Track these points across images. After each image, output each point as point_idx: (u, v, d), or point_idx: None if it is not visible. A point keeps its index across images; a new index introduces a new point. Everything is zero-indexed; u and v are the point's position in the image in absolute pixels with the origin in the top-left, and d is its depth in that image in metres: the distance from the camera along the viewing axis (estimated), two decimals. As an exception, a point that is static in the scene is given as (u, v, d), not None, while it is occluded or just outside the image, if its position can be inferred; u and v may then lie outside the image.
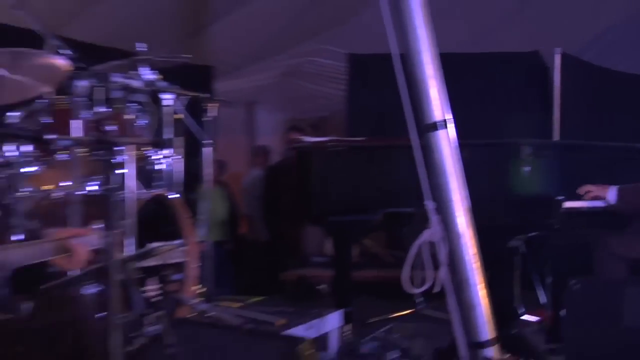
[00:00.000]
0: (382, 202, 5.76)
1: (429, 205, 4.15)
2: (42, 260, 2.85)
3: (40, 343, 2.59)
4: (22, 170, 4.35)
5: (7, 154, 4.38)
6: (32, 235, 4.16)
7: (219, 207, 8.79)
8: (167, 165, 5.06)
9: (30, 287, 2.88)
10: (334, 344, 5.20)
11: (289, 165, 7.89)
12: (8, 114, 4.55)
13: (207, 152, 5.58)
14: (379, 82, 6.37)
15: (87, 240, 3.02)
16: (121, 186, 4.50)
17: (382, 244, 8.94)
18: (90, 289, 4.23)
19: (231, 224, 9.31)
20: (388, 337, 5.24)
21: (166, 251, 3.13)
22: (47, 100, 4.56)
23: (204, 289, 5.24)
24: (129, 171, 4.40)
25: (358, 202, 5.76)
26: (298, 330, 4.73)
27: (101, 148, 2.53)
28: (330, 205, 5.75)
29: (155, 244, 2.94)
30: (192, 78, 6.56)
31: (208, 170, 5.70)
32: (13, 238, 4.17)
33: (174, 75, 5.35)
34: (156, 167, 5.02)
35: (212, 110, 5.55)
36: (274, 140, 10.67)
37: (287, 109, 11.62)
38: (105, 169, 2.52)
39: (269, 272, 8.72)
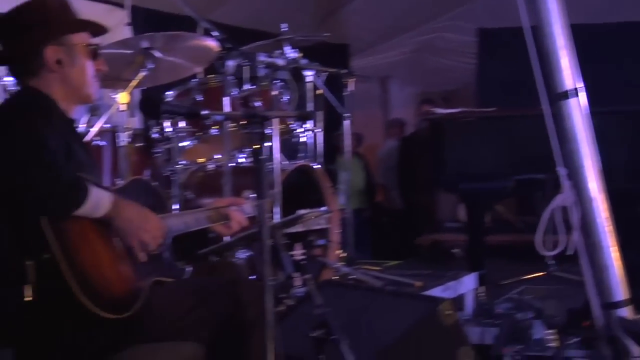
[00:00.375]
0: (513, 170, 5.65)
1: (561, 171, 4.03)
2: (200, 227, 2.92)
3: (200, 302, 2.63)
4: (179, 144, 4.47)
5: (165, 129, 4.52)
6: (188, 205, 4.29)
7: (356, 177, 8.80)
8: (309, 138, 5.06)
9: (189, 252, 2.95)
10: (469, 304, 5.14)
11: (422, 136, 7.81)
12: (166, 93, 4.69)
13: (346, 125, 5.56)
14: (508, 54, 6.23)
15: (242, 209, 3.06)
16: (268, 158, 4.57)
17: (513, 210, 8.74)
18: (244, 254, 4.33)
19: (368, 192, 9.31)
20: (521, 298, 5.11)
21: (313, 218, 3.13)
22: (199, 80, 4.66)
23: (345, 254, 5.24)
24: (274, 144, 4.42)
25: (489, 170, 5.67)
26: (435, 292, 4.69)
27: (250, 122, 2.54)
28: (463, 173, 5.68)
29: (303, 211, 2.94)
30: (330, 55, 6.57)
31: (347, 142, 5.68)
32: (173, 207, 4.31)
33: (314, 53, 5.35)
34: (299, 139, 5.04)
35: (350, 85, 5.52)
36: (407, 112, 10.58)
37: (418, 83, 11.48)
38: (254, 141, 2.53)
39: (404, 237, 8.67)
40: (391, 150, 9.68)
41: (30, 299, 2.35)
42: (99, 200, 2.45)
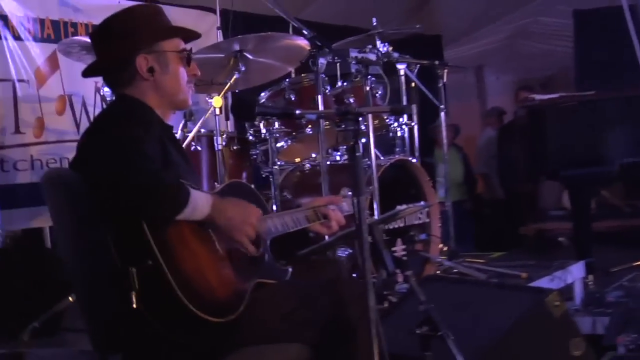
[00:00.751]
0: (617, 154, 5.46)
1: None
2: (299, 228, 2.91)
3: (303, 303, 2.62)
4: (274, 145, 4.49)
5: (260, 131, 4.55)
6: (286, 206, 4.30)
7: (455, 169, 8.68)
8: (404, 132, 5.02)
9: (289, 253, 2.95)
10: (578, 294, 4.98)
11: (521, 123, 7.63)
12: (261, 94, 4.72)
13: (442, 116, 5.48)
14: (606, 35, 6.04)
15: (340, 207, 3.03)
16: (364, 154, 4.54)
17: (619, 195, 8.46)
18: (344, 252, 4.31)
19: (468, 184, 9.18)
20: (633, 285, 4.93)
21: (412, 213, 3.09)
22: (291, 79, 4.67)
23: (447, 247, 5.17)
24: (370, 139, 4.39)
25: (593, 154, 5.50)
26: (542, 283, 4.57)
27: (344, 119, 2.51)
28: (566, 160, 5.52)
29: (402, 207, 2.90)
30: (422, 47, 6.50)
31: (444, 134, 5.60)
32: (273, 208, 4.34)
33: (406, 46, 5.30)
34: (395, 134, 4.99)
35: (444, 76, 5.44)
36: (503, 101, 10.38)
37: (515, 70, 11.26)
38: (350, 139, 2.50)
39: (507, 227, 8.51)
40: (490, 140, 9.52)
41: (136, 306, 2.38)
42: (199, 203, 2.46)
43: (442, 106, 5.39)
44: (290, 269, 2.83)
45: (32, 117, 5.24)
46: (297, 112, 2.72)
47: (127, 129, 2.50)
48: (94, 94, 5.54)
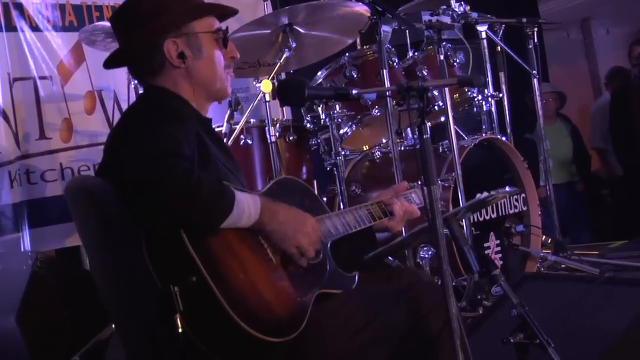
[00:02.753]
0: None
1: None
2: (363, 227, 2.93)
3: (375, 315, 2.63)
4: (337, 132, 4.52)
5: (321, 116, 4.59)
6: (355, 202, 4.33)
7: (562, 145, 8.56)
8: (490, 106, 5.00)
9: (355, 257, 2.97)
10: None
11: (638, 85, 7.50)
12: (317, 74, 4.76)
13: (535, 84, 5.42)
14: None
15: (409, 198, 3.05)
16: (443, 135, 4.55)
17: None
18: (427, 252, 4.33)
19: (580, 161, 9.03)
20: None
21: (499, 200, 3.08)
22: (351, 54, 4.70)
23: (552, 239, 5.13)
24: (449, 117, 4.39)
25: None
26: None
27: (407, 97, 2.53)
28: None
29: (485, 194, 2.89)
30: (507, 3, 6.43)
31: (539, 104, 5.55)
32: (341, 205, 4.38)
33: (487, 3, 5.27)
34: (480, 109, 4.98)
35: (534, 36, 5.37)
36: (616, 59, 10.18)
37: (628, 21, 11.03)
38: (415, 118, 2.51)
39: (629, 211, 8.37)
40: (604, 108, 9.35)
41: (183, 330, 2.41)
42: (246, 207, 2.49)
43: (534, 72, 5.34)
44: (357, 276, 2.85)
45: (59, 119, 5.32)
46: (354, 91, 2.75)
47: (159, 126, 2.54)
48: (127, 87, 5.59)
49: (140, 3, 2.78)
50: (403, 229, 3.25)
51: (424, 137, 2.51)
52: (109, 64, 2.90)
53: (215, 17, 2.86)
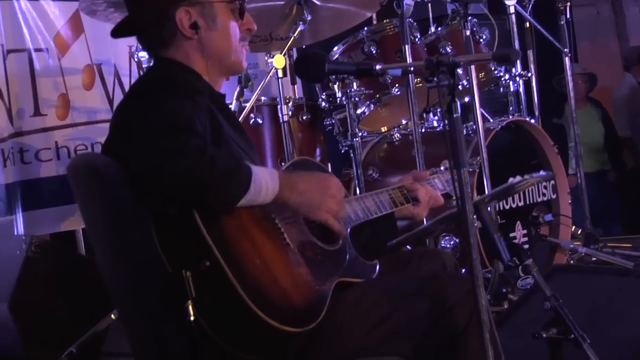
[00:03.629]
0: None
1: None
2: (384, 213, 2.95)
3: (397, 306, 2.65)
4: (354, 112, 4.53)
5: (335, 95, 4.60)
6: (373, 187, 4.34)
7: (593, 131, 8.54)
8: (518, 86, 5.00)
9: (376, 245, 2.98)
10: None
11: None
12: (333, 49, 4.77)
13: (566, 63, 5.42)
14: None
15: (432, 183, 3.06)
16: (467, 117, 4.55)
17: None
18: (449, 242, 4.35)
19: (611, 149, 9.01)
20: None
21: (531, 185, 3.10)
22: (370, 28, 4.70)
23: (582, 230, 5.14)
24: (475, 97, 4.39)
25: None
26: None
27: (435, 73, 2.53)
28: None
29: (518, 178, 2.89)
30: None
31: (570, 86, 5.55)
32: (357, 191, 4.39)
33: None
34: (507, 89, 4.99)
35: (566, 11, 5.37)
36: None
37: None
38: (444, 97, 2.52)
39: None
40: (630, 91, 9.33)
41: (194, 317, 2.43)
42: (263, 182, 2.50)
43: (565, 50, 5.34)
44: (377, 265, 2.87)
45: (55, 94, 5.32)
46: (378, 67, 2.75)
47: (169, 101, 2.55)
48: (129, 61, 5.60)
49: None
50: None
51: (455, 115, 2.51)
52: (118, 32, 2.89)
53: None
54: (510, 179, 2.89)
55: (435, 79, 2.55)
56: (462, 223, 2.51)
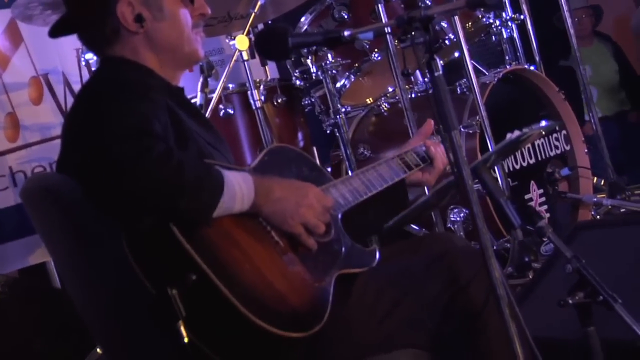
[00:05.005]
0: None
1: None
2: (378, 190, 2.96)
3: (406, 292, 2.67)
4: (334, 86, 4.55)
5: (311, 70, 4.61)
6: (364, 165, 4.35)
7: (604, 69, 8.53)
8: (511, 32, 5.02)
9: (374, 228, 3.00)
10: None
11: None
12: (300, 20, 4.77)
13: (565, 0, 5.43)
14: None
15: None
16: (460, 74, 4.57)
17: None
18: (458, 215, 4.37)
19: (628, 86, 9.00)
20: None
21: (534, 139, 3.10)
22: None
23: (604, 180, 5.16)
24: (463, 50, 4.41)
25: None
26: None
27: (409, 31, 2.54)
28: None
29: (517, 133, 2.91)
30: None
31: (574, 23, 5.56)
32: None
33: None
34: (498, 36, 5.00)
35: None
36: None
37: None
38: (432, 52, 2.52)
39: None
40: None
41: (188, 339, 2.43)
42: (237, 189, 2.50)
43: (558, -17, 5.36)
44: (377, 250, 2.88)
45: (0, 114, 5.32)
46: (346, 33, 2.75)
47: (121, 104, 2.54)
48: (78, 66, 5.54)
49: None
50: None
51: (435, 74, 2.53)
52: (55, 32, 2.89)
53: None
54: (508, 135, 2.91)
55: (408, 37, 2.56)
56: (461, 191, 2.53)
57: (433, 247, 2.93)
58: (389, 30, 3.97)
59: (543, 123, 3.08)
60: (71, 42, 4.63)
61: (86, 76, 5.34)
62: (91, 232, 2.60)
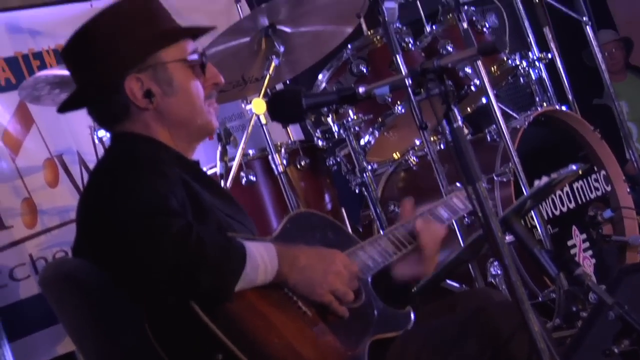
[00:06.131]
0: None
1: None
2: (406, 251, 2.99)
3: (444, 355, 2.69)
4: (358, 143, 4.60)
5: (333, 129, 4.65)
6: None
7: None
8: (540, 72, 5.05)
9: (404, 290, 3.04)
10: None
11: None
12: (318, 78, 4.83)
13: (589, 33, 5.44)
14: None
15: (437, 216, 3.13)
16: (490, 120, 4.60)
17: None
18: (497, 269, 4.37)
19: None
20: None
21: (566, 182, 3.12)
22: (353, 45, 4.77)
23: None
24: (490, 96, 4.46)
25: None
26: None
27: (425, 82, 2.58)
28: None
29: (545, 179, 2.93)
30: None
31: (604, 58, 5.58)
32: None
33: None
34: (527, 77, 5.03)
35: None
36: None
37: None
38: (448, 103, 2.55)
39: None
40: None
41: None
42: (260, 260, 2.53)
43: (584, 18, 5.38)
44: (411, 312, 2.92)
45: (17, 201, 5.37)
46: (361, 89, 2.78)
47: (137, 180, 2.59)
48: (93, 144, 5.41)
49: (91, 33, 2.83)
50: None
51: (454, 125, 2.57)
52: (65, 107, 2.94)
53: (188, 39, 2.90)
54: (536, 182, 2.94)
55: (423, 89, 2.62)
56: (491, 244, 2.55)
57: (470, 304, 2.94)
58: (409, 82, 4.00)
59: (573, 167, 3.09)
60: (84, 119, 4.60)
61: (101, 153, 5.30)
62: (112, 316, 2.64)
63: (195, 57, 2.87)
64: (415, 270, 3.04)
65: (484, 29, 4.87)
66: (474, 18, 4.81)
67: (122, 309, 2.60)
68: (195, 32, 2.96)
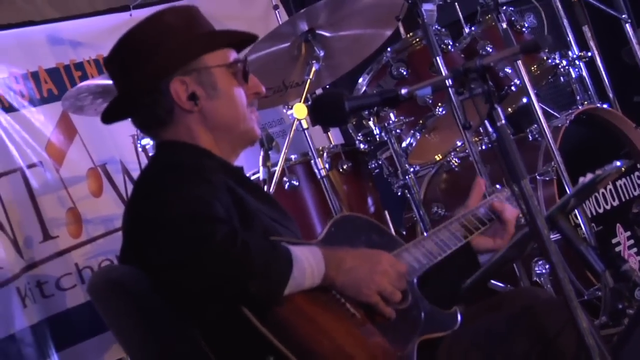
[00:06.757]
0: None
1: None
2: (452, 250, 2.99)
3: (493, 354, 2.69)
4: (399, 146, 4.61)
5: (375, 132, 4.66)
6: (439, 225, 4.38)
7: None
8: (580, 70, 5.03)
9: (452, 290, 3.04)
10: None
11: None
12: (358, 82, 4.84)
13: (628, 30, 5.42)
14: None
15: (502, 196, 3.14)
16: (531, 119, 4.59)
17: None
18: (543, 268, 4.36)
19: None
20: None
21: (610, 179, 3.11)
22: (392, 48, 4.77)
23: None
24: (530, 95, 4.45)
25: None
26: None
27: (467, 82, 2.59)
28: None
29: (589, 176, 2.93)
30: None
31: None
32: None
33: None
34: (567, 76, 5.01)
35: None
36: None
37: None
38: (492, 102, 2.55)
39: None
40: None
41: None
42: (307, 264, 2.55)
43: (623, 16, 5.36)
44: (458, 312, 2.92)
45: (62, 211, 5.42)
46: (403, 91, 2.79)
47: (181, 190, 2.60)
48: (136, 153, 5.68)
49: (137, 37, 2.87)
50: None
51: (498, 124, 2.57)
52: (107, 117, 2.98)
53: (231, 48, 2.94)
54: (581, 179, 2.93)
55: (466, 89, 2.62)
56: (538, 242, 2.55)
57: (516, 303, 2.94)
58: (450, 83, 4.01)
59: (618, 163, 3.08)
60: (126, 129, 4.71)
61: (144, 162, 5.40)
62: (162, 322, 2.65)
63: (238, 63, 2.90)
64: (499, 242, 3.10)
65: (523, 29, 4.86)
66: (512, 18, 4.80)
67: (171, 315, 2.61)
68: (238, 39, 2.99)
